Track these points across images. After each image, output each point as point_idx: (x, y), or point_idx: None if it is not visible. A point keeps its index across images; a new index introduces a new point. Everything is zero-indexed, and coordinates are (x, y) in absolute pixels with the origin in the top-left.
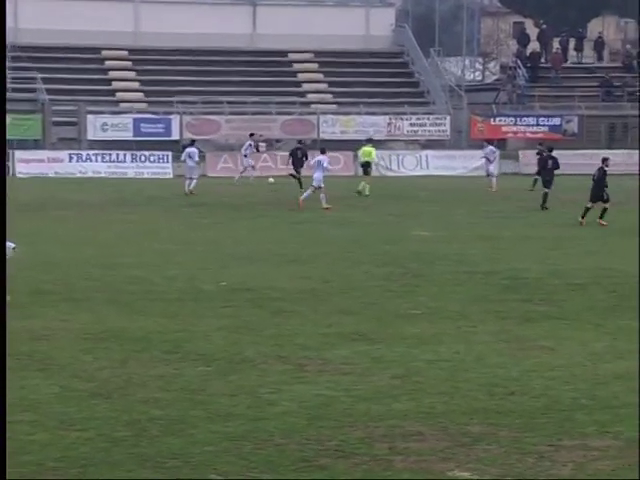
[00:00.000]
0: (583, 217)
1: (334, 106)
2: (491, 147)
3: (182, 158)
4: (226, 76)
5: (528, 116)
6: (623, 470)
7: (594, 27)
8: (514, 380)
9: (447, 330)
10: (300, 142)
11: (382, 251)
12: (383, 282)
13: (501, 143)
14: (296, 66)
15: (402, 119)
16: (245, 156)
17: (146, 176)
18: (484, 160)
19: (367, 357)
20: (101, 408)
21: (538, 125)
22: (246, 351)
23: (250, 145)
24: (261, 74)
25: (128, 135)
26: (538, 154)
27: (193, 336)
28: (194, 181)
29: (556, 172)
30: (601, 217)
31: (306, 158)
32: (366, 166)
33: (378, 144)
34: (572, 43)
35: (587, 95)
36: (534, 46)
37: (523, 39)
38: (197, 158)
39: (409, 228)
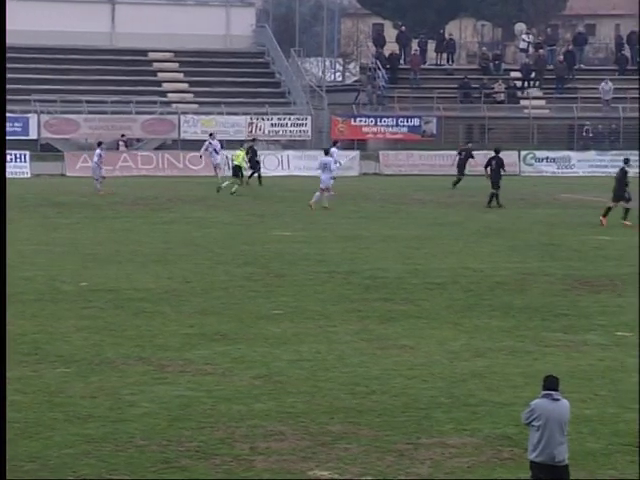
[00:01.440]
0: (604, 216)
1: (195, 106)
2: (333, 148)
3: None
4: (85, 75)
5: (388, 117)
6: (479, 467)
7: (452, 30)
8: (374, 379)
9: (309, 330)
10: (253, 140)
11: (244, 251)
12: (245, 282)
13: (361, 144)
14: (156, 65)
15: (263, 119)
16: (202, 156)
17: None
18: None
19: (228, 357)
20: None
21: (398, 126)
22: (106, 352)
23: (210, 144)
24: (121, 73)
25: None
26: (459, 154)
27: (52, 337)
28: (98, 181)
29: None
30: (624, 217)
31: (256, 155)
32: (237, 169)
33: (239, 144)
34: (432, 45)
35: (445, 96)
36: (394, 47)
37: (379, 41)
38: (96, 158)
39: (270, 228)
